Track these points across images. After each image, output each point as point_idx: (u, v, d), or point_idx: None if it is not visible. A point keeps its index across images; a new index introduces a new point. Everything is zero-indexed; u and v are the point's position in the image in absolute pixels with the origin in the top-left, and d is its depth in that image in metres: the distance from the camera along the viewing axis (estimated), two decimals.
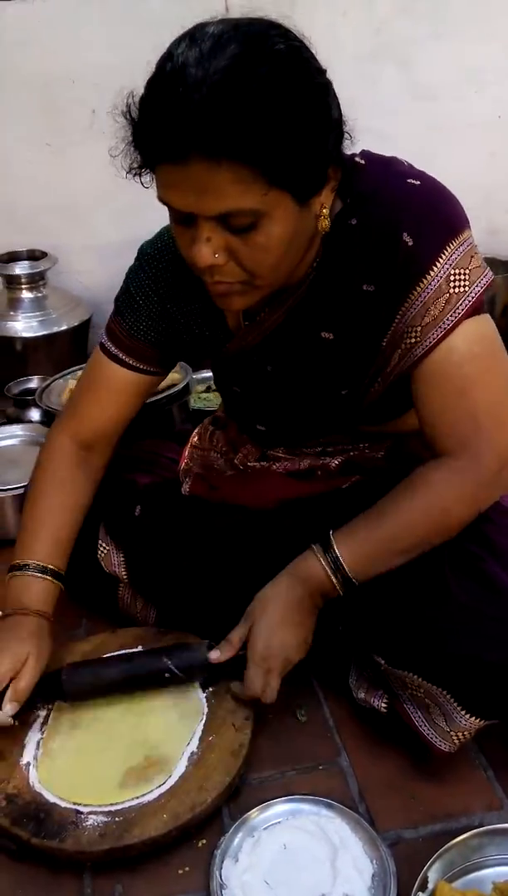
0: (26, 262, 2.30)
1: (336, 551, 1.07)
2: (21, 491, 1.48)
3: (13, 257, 2.32)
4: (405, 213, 1.00)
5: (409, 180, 1.02)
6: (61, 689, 1.14)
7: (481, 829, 0.98)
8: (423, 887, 0.92)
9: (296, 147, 0.86)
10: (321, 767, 1.15)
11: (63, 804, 1.04)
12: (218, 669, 1.14)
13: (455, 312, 1.00)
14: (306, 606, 1.10)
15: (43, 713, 1.18)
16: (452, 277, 1.00)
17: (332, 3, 2.21)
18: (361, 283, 1.04)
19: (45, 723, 1.16)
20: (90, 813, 1.03)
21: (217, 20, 0.87)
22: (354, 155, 1.04)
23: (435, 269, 1.00)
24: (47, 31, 2.16)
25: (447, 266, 1.00)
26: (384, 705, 1.13)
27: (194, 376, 2.04)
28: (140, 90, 0.89)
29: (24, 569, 1.17)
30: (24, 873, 1.03)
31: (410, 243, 0.99)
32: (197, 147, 0.83)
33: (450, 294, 1.00)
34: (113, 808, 1.03)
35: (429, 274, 1.00)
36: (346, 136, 0.95)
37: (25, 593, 1.16)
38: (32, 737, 1.14)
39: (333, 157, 0.94)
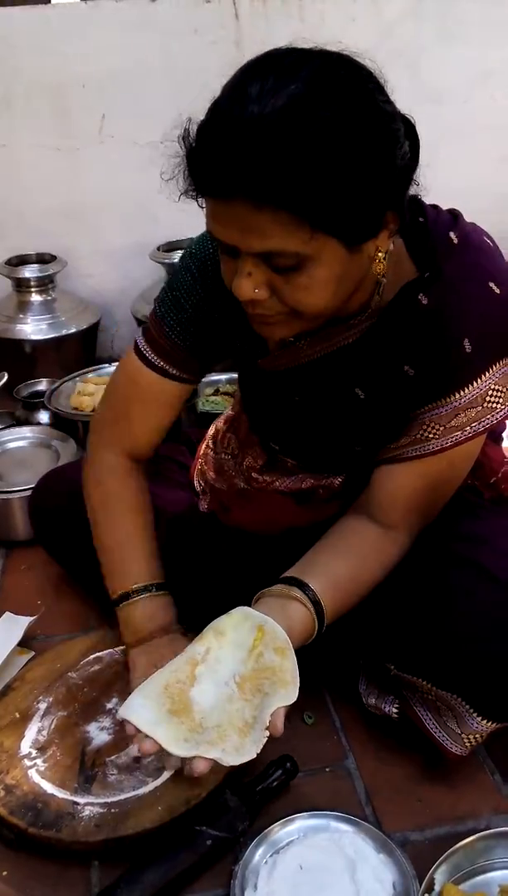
0: (35, 265, 2.31)
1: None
2: (29, 492, 1.49)
3: (23, 261, 2.33)
4: (476, 321, 0.98)
5: (491, 284, 0.99)
6: None
7: (488, 831, 0.99)
8: (429, 889, 0.92)
9: (348, 197, 0.83)
10: (327, 769, 1.15)
11: (60, 795, 1.06)
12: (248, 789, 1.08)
13: (478, 425, 1.02)
14: None
15: (43, 706, 1.19)
16: (490, 393, 1.00)
17: (340, 9, 2.21)
18: (404, 363, 1.03)
19: (44, 715, 1.17)
20: (87, 804, 1.05)
21: (290, 48, 0.83)
22: (452, 212, 1.03)
23: (479, 380, 0.99)
24: (58, 36, 2.17)
25: (490, 381, 1.00)
26: (395, 711, 1.13)
27: (202, 379, 2.03)
28: (200, 115, 0.85)
29: (131, 596, 1.17)
30: (34, 868, 1.04)
31: (468, 350, 0.98)
32: (242, 190, 0.81)
33: (482, 408, 1.01)
34: (109, 800, 1.05)
35: (473, 384, 1.00)
36: (414, 182, 0.91)
37: (142, 619, 1.16)
38: (32, 728, 1.15)
39: (394, 204, 0.90)
